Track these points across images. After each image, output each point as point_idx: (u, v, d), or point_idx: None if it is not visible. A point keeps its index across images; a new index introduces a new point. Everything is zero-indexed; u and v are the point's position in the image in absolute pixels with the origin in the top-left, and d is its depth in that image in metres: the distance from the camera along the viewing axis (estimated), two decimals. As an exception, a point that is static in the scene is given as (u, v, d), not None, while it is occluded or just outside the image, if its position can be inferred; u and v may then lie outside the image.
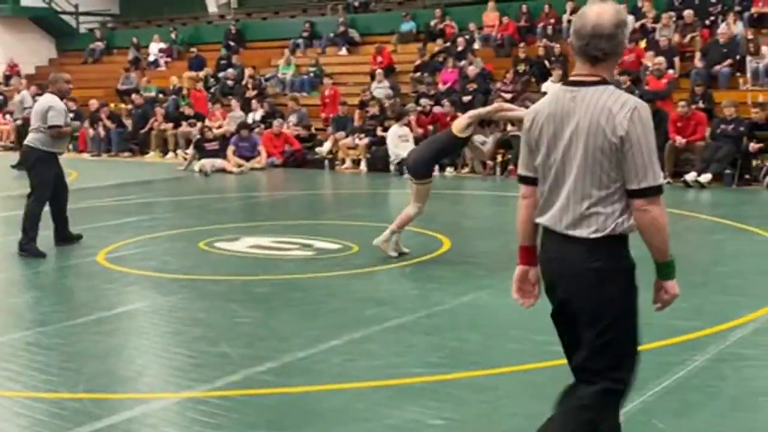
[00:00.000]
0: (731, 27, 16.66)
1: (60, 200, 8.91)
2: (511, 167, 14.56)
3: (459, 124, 7.81)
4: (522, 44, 18.78)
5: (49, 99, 8.87)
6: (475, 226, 8.98)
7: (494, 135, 8.07)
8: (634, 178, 2.92)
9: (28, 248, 8.38)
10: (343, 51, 22.23)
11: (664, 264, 3.04)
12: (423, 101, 17.24)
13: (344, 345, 5.36)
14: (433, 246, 8.46)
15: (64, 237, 8.93)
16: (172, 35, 25.43)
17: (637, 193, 2.93)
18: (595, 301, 2.99)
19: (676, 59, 16.72)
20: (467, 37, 19.94)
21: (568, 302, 3.06)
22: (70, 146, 16.25)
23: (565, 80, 3.15)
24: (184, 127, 19.23)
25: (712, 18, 17.63)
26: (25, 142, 8.97)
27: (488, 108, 8.15)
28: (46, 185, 8.67)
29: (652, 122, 2.99)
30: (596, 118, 2.93)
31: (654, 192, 2.93)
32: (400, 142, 15.56)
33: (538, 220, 3.14)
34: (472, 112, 7.93)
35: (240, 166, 16.53)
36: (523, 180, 3.22)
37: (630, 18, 18.17)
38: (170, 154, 19.54)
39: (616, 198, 2.97)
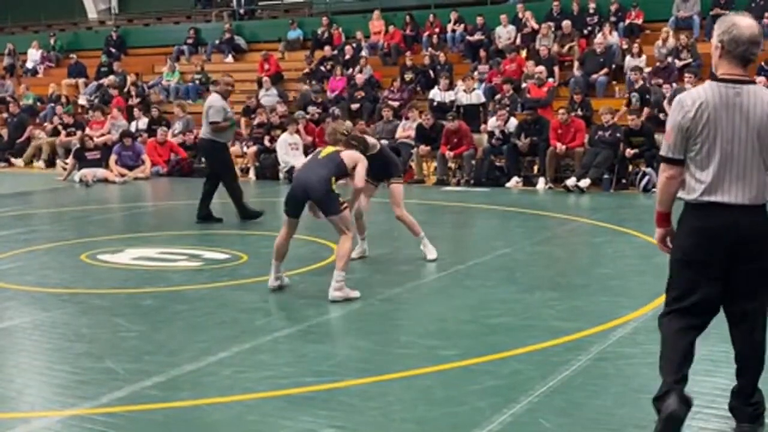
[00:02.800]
0: (607, 37, 17.32)
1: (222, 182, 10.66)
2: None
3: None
4: (408, 53, 19.02)
5: (210, 99, 10.55)
6: (364, 234, 9.02)
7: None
8: None
9: (249, 213, 10.67)
10: (229, 58, 22.01)
11: None
12: (311, 109, 17.22)
13: (234, 356, 5.29)
14: (323, 254, 8.45)
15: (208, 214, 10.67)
16: (51, 41, 24.64)
17: None
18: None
19: (556, 68, 17.26)
20: (354, 45, 20.05)
21: (745, 257, 3.68)
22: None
23: (716, 78, 3.71)
24: (64, 136, 18.63)
25: (589, 28, 18.29)
26: (200, 135, 10.94)
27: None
28: (229, 167, 10.77)
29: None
30: (765, 109, 3.61)
31: None
32: (290, 149, 15.52)
33: (708, 198, 3.67)
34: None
35: (123, 175, 16.12)
36: (673, 162, 3.78)
37: (511, 28, 18.68)
38: (40, 162, 18.95)
39: (766, 171, 3.69)
